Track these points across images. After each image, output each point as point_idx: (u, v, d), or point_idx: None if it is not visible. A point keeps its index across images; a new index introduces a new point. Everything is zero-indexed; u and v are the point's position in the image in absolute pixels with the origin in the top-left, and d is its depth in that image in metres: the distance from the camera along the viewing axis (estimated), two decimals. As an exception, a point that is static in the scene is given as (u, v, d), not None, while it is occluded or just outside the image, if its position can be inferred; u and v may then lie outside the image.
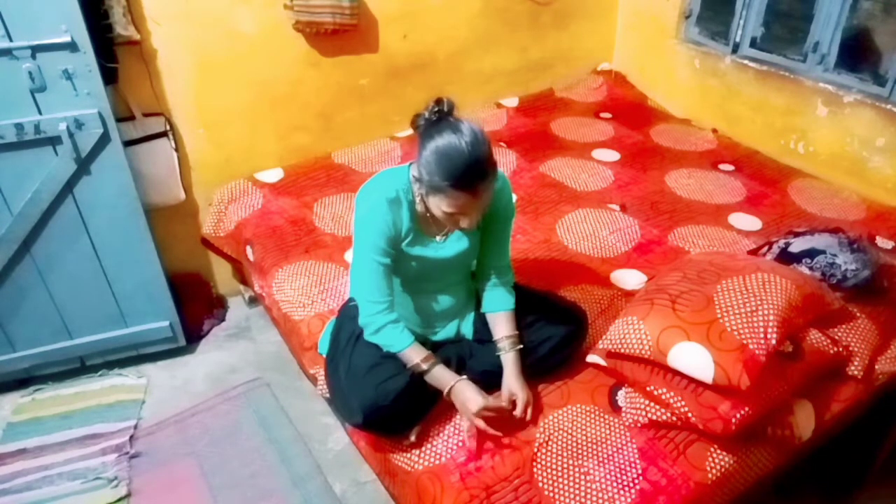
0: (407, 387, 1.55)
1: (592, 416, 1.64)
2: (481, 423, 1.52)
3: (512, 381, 1.62)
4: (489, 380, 1.67)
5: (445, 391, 1.57)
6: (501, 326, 1.68)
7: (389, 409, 1.54)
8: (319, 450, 2.19)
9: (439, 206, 1.46)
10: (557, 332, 1.71)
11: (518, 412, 1.58)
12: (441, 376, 1.57)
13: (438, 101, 1.46)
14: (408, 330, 1.60)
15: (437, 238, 1.64)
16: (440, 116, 1.45)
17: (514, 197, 1.89)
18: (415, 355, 1.57)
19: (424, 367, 1.56)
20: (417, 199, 1.58)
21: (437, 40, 2.96)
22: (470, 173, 1.40)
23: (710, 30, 3.09)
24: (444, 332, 1.78)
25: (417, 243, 1.62)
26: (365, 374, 1.59)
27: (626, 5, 3.41)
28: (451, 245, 1.66)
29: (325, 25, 2.54)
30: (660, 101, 3.36)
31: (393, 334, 1.58)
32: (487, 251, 1.72)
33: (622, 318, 1.68)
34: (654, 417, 1.59)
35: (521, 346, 1.67)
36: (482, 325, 1.76)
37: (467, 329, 1.79)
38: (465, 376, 1.59)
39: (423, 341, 1.75)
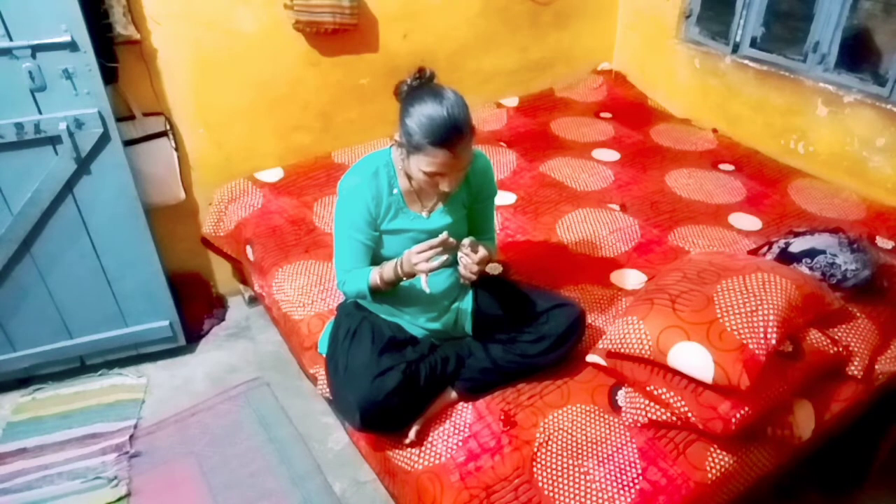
0: (401, 383, 1.56)
1: (592, 415, 1.64)
2: (425, 267, 1.50)
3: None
4: (488, 378, 1.67)
5: (399, 271, 1.57)
6: None
7: (384, 404, 1.55)
8: (319, 449, 2.19)
9: (419, 166, 1.50)
10: (556, 328, 1.71)
11: (466, 245, 1.56)
12: (390, 267, 1.59)
13: (421, 70, 1.54)
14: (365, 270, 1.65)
15: (423, 214, 1.68)
16: (422, 83, 1.52)
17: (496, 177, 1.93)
18: (375, 275, 1.62)
19: (383, 275, 1.60)
20: (400, 172, 1.62)
21: (437, 40, 2.96)
22: (448, 130, 1.45)
23: (711, 30, 3.09)
24: (445, 320, 1.78)
25: (401, 216, 1.66)
26: (361, 370, 1.61)
27: (626, 5, 3.41)
28: (436, 219, 1.69)
29: (325, 25, 2.54)
30: (660, 101, 3.36)
31: (356, 278, 1.65)
32: (474, 228, 1.77)
33: (622, 318, 1.68)
34: (654, 417, 1.59)
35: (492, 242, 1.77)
36: (482, 321, 1.77)
37: (467, 324, 1.80)
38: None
39: (427, 337, 1.76)
